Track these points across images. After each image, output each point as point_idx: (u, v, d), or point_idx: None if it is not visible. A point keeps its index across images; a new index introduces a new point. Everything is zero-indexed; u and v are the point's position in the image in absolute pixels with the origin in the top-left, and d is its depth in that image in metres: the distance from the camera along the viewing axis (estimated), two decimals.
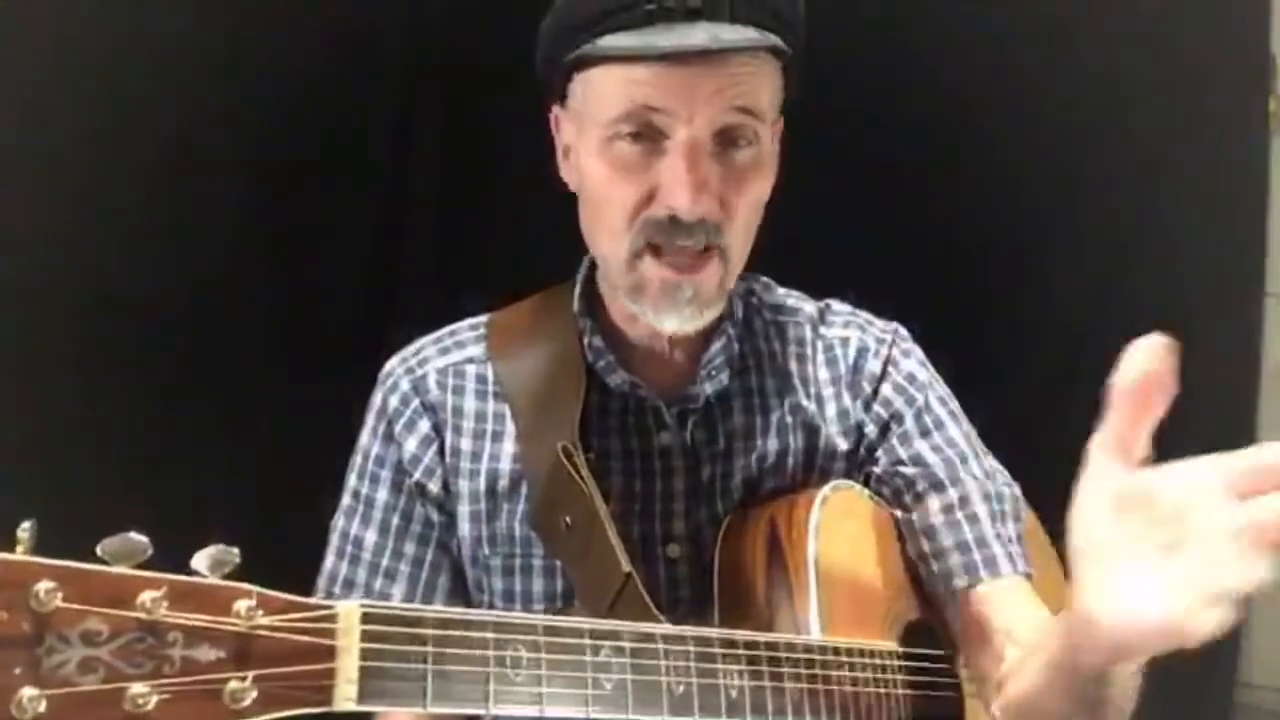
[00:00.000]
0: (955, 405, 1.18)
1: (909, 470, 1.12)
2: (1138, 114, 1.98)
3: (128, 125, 1.60)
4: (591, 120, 1.00)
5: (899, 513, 1.13)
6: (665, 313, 1.02)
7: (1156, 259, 2.01)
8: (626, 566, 0.97)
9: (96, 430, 1.58)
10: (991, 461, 1.16)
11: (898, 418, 1.14)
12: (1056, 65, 1.93)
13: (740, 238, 1.03)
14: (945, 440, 1.13)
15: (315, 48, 1.75)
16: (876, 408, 1.15)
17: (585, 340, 1.11)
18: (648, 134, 0.97)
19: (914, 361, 1.19)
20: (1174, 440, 2.03)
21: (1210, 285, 2.04)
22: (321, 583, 1.10)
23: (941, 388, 1.19)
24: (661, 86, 0.95)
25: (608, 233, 1.02)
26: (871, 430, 1.15)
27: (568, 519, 1.01)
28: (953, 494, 1.09)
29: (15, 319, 1.54)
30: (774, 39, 0.97)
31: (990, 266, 1.95)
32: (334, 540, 1.12)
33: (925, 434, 1.13)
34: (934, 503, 1.09)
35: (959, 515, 1.08)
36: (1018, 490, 1.16)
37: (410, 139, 1.89)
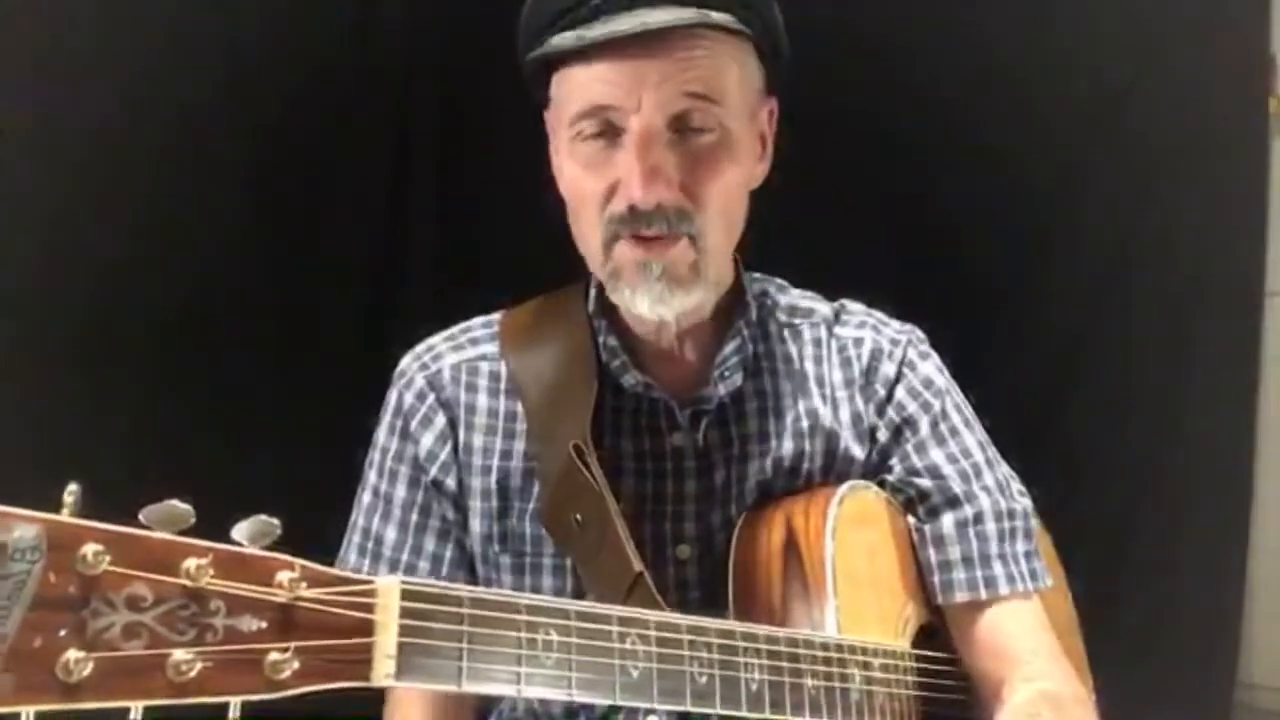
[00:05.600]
0: (970, 412, 1.17)
1: (924, 482, 1.11)
2: (1138, 114, 1.98)
3: (129, 127, 1.60)
4: (562, 122, 1.03)
5: (911, 519, 1.12)
6: (639, 293, 1.01)
7: (1156, 259, 2.01)
8: (638, 566, 0.97)
9: (96, 430, 1.58)
10: (1004, 470, 1.16)
11: (912, 423, 1.13)
12: (1056, 66, 1.93)
13: (716, 225, 1.02)
14: (960, 450, 1.13)
15: (315, 49, 1.76)
16: (890, 411, 1.14)
17: (600, 340, 1.10)
18: (608, 130, 0.99)
19: (931, 366, 1.17)
20: (1175, 440, 2.03)
21: (1210, 285, 2.04)
22: None
23: (958, 394, 1.17)
24: (611, 81, 0.97)
25: (585, 228, 1.04)
26: (884, 434, 1.13)
27: (578, 517, 1.01)
28: (967, 510, 1.09)
29: (15, 319, 1.54)
30: (716, 16, 0.96)
31: (991, 266, 1.95)
32: (355, 538, 1.12)
33: (941, 442, 1.12)
34: (947, 518, 1.09)
35: (970, 532, 1.09)
36: (1028, 502, 1.15)
37: (410, 140, 1.89)
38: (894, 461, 1.13)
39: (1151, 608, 1.93)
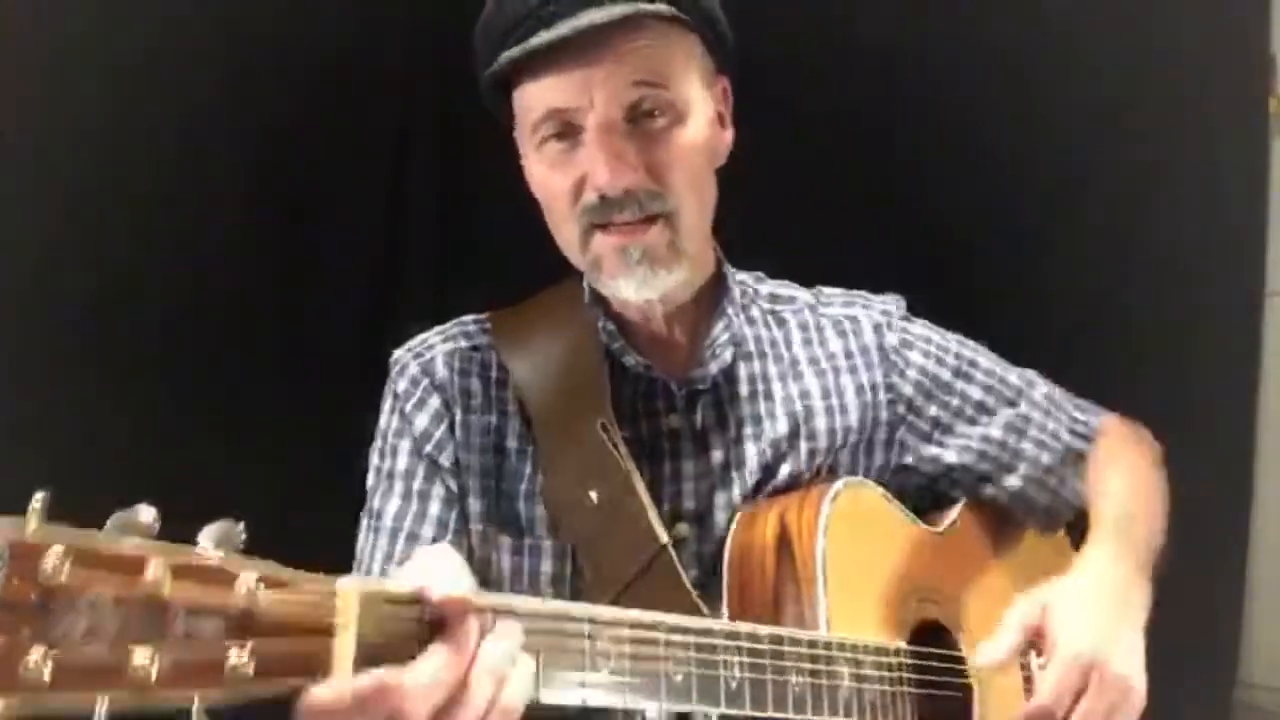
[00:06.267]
0: (969, 341, 1.30)
1: (991, 449, 1.24)
2: (1138, 114, 1.98)
3: (129, 129, 1.60)
4: (525, 131, 1.08)
5: (988, 488, 1.24)
6: (622, 278, 1.07)
7: (1156, 259, 2.00)
8: (664, 538, 1.03)
9: (95, 429, 1.58)
10: (1009, 367, 1.30)
11: (940, 382, 1.24)
12: (1056, 65, 1.92)
13: (687, 200, 1.07)
14: (985, 373, 1.27)
15: (316, 49, 1.75)
16: (914, 374, 1.23)
17: (600, 325, 1.15)
18: (568, 131, 1.04)
19: (921, 327, 1.28)
20: (1175, 440, 2.03)
21: (1210, 285, 2.03)
22: (355, 566, 1.12)
23: (951, 335, 1.29)
24: (562, 86, 1.02)
25: (561, 224, 1.09)
26: (912, 392, 1.23)
27: (593, 494, 1.05)
28: (1029, 452, 1.25)
29: (16, 317, 1.54)
30: (649, 7, 1.01)
31: (990, 267, 1.95)
32: (364, 521, 1.14)
33: (968, 378, 1.26)
34: (1011, 479, 1.25)
35: (1043, 478, 1.27)
36: (1036, 375, 1.32)
37: (409, 140, 1.89)
38: (955, 427, 1.23)
39: (1151, 608, 1.93)
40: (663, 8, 1.02)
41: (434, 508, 1.11)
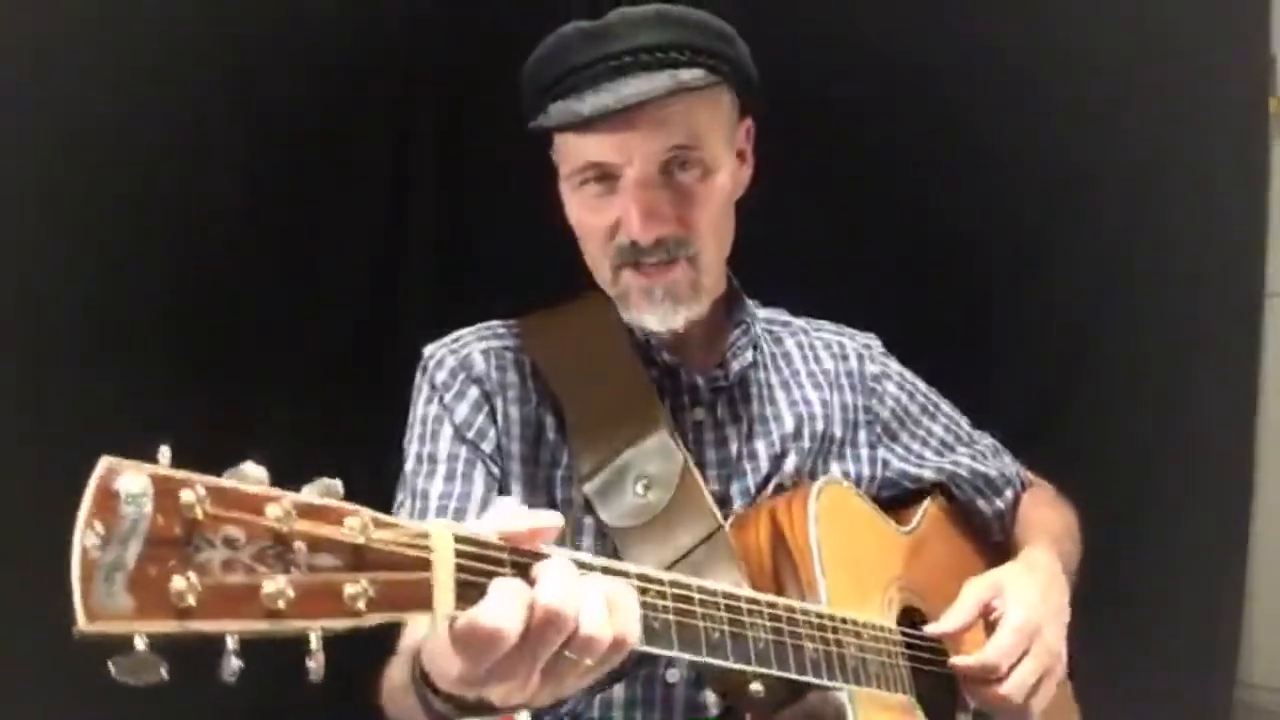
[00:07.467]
0: (932, 388, 1.45)
1: (963, 474, 1.40)
2: (1138, 114, 1.98)
3: (129, 128, 1.60)
4: (564, 172, 1.18)
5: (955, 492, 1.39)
6: (646, 312, 1.18)
7: (1157, 259, 2.01)
8: (720, 520, 1.11)
9: (93, 429, 1.58)
10: (963, 416, 1.47)
11: (910, 414, 1.40)
12: (1057, 65, 1.92)
13: (709, 241, 1.18)
14: (946, 416, 1.44)
15: (316, 50, 1.75)
16: (889, 402, 1.38)
17: (636, 325, 1.23)
18: (606, 177, 1.14)
19: (896, 363, 1.44)
20: (1175, 440, 2.02)
21: (1210, 285, 2.03)
22: None
23: (919, 378, 1.45)
24: (602, 144, 1.12)
25: (593, 256, 1.20)
26: (889, 418, 1.38)
27: (643, 479, 1.13)
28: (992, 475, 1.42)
29: (14, 317, 1.54)
30: (686, 76, 1.09)
31: (991, 268, 1.95)
32: (406, 504, 1.18)
33: (933, 417, 1.42)
34: (984, 504, 1.42)
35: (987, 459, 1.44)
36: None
37: (409, 140, 1.89)
38: (923, 455, 1.39)
39: (1151, 608, 1.93)
40: (699, 76, 1.10)
41: (477, 489, 1.16)
